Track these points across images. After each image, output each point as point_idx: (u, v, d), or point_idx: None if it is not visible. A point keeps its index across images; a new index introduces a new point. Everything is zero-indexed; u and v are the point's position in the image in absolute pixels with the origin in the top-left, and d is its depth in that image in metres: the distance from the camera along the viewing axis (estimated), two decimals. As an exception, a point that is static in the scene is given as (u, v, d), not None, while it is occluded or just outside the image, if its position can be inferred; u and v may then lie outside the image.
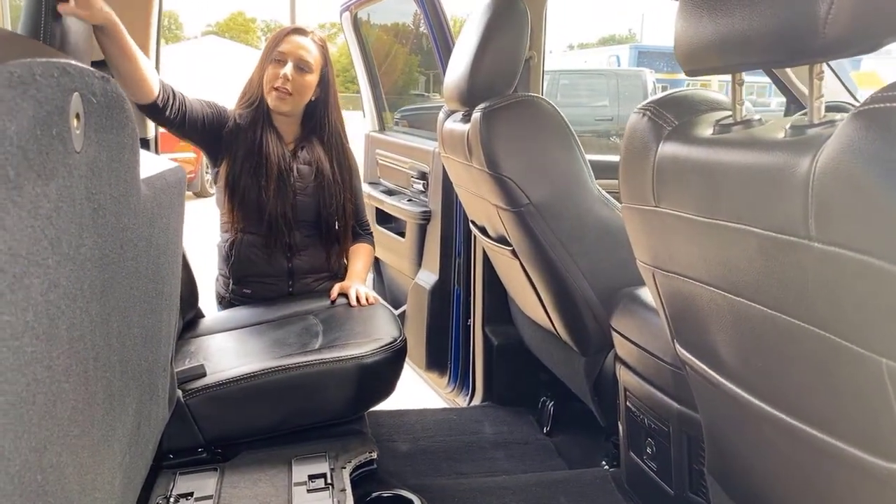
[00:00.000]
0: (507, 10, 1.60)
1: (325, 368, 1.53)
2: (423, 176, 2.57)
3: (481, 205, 1.80)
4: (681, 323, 1.02)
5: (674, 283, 0.97)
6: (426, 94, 4.92)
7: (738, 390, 0.87)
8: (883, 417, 0.63)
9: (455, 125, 1.80)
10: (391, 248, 2.77)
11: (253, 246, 1.92)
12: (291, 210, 1.91)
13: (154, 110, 1.75)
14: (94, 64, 1.84)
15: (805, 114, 0.72)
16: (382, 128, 3.18)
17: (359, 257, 2.06)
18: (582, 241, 1.57)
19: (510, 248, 1.72)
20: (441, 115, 1.98)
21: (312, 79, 1.90)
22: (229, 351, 1.69)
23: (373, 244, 2.13)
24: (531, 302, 1.84)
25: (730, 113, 0.85)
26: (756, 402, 0.84)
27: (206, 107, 1.89)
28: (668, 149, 0.89)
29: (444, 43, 2.29)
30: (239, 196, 1.89)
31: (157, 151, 2.13)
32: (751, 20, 0.71)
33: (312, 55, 1.89)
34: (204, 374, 1.52)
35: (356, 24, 2.99)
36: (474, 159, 1.65)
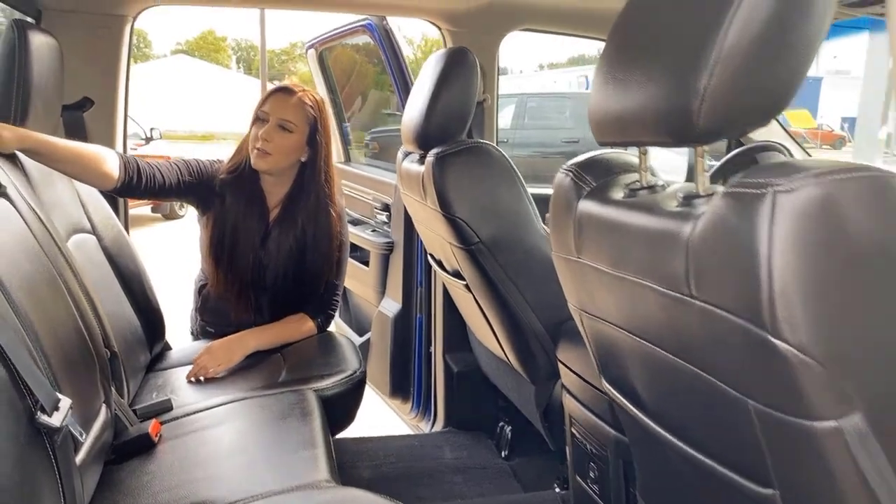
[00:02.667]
0: (458, 62, 1.72)
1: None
2: (386, 208, 2.68)
3: (437, 241, 1.91)
4: (605, 360, 1.12)
5: (597, 326, 1.08)
6: (398, 113, 5.01)
7: (651, 422, 0.98)
8: (754, 449, 0.74)
9: (412, 166, 1.91)
10: (356, 277, 2.86)
11: (221, 298, 1.97)
12: (262, 278, 1.93)
13: (119, 192, 1.76)
14: (65, 107, 1.92)
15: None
16: (348, 159, 3.28)
17: (284, 323, 1.94)
18: (529, 277, 1.68)
19: (464, 283, 1.83)
20: (400, 155, 2.09)
21: (296, 139, 1.86)
22: (195, 385, 1.77)
23: (321, 327, 2.00)
24: (485, 332, 1.94)
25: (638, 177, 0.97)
26: (664, 432, 0.95)
27: (183, 172, 1.86)
28: (585, 207, 1.00)
29: (403, 84, 2.40)
30: (213, 258, 1.92)
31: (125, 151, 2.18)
32: (644, 102, 0.82)
33: (298, 115, 1.85)
34: (170, 408, 1.59)
35: (322, 61, 3.09)
36: (429, 199, 1.76)
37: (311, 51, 3.09)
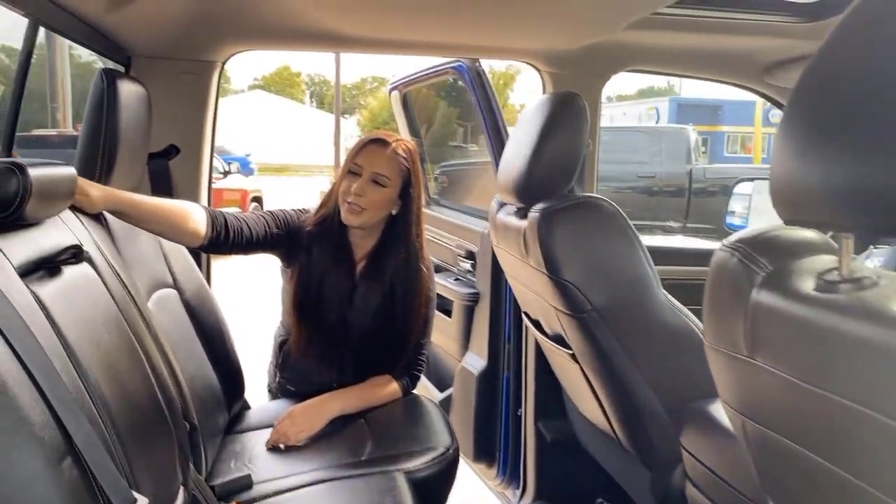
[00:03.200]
0: (566, 108, 1.57)
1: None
2: (470, 255, 2.53)
3: (537, 302, 1.74)
4: (773, 479, 0.92)
5: (766, 438, 0.88)
6: (464, 145, 4.91)
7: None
8: None
9: (509, 219, 1.76)
10: (437, 328, 2.69)
11: (303, 356, 1.85)
12: (347, 334, 1.82)
13: (206, 249, 1.69)
14: (151, 155, 1.87)
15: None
16: (429, 202, 3.16)
17: (368, 385, 1.81)
18: (649, 351, 1.49)
19: (569, 352, 1.65)
20: (494, 204, 1.94)
21: (389, 193, 1.75)
22: (276, 454, 1.64)
23: (407, 390, 1.86)
24: (589, 403, 1.75)
25: (832, 263, 0.77)
26: None
27: (270, 225, 1.76)
28: (764, 298, 0.81)
29: (495, 130, 2.26)
30: (297, 314, 1.82)
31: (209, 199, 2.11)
32: (855, 179, 0.63)
33: (392, 168, 1.74)
34: (250, 486, 1.46)
35: (405, 103, 3.00)
36: (531, 258, 1.60)
37: (395, 93, 3.00)
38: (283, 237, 1.79)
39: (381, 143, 1.77)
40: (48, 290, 1.02)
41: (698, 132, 11.83)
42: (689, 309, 1.53)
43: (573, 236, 1.50)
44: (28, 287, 0.97)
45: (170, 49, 1.62)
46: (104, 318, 1.15)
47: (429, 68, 2.64)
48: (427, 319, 1.89)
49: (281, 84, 44.31)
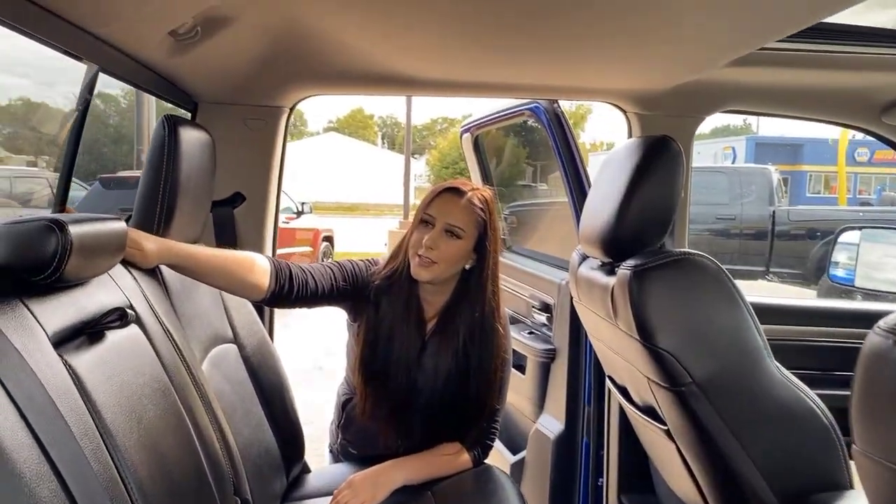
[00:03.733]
0: (660, 154, 1.41)
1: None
2: (546, 308, 2.36)
3: (626, 368, 1.56)
4: None
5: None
6: (533, 184, 4.76)
7: None
8: None
9: (594, 274, 1.59)
10: (510, 385, 2.53)
11: (368, 417, 1.71)
12: (415, 398, 1.68)
13: (269, 303, 1.58)
14: (215, 203, 1.80)
15: None
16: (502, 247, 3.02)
17: (436, 454, 1.67)
18: (758, 431, 1.29)
19: (663, 427, 1.45)
20: (575, 257, 1.78)
21: (463, 245, 1.61)
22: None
23: (477, 461, 1.71)
24: (684, 482, 1.54)
25: None
26: None
27: (337, 277, 1.65)
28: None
29: (574, 175, 2.11)
30: (363, 373, 1.69)
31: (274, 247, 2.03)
32: None
33: (467, 218, 1.61)
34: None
35: (477, 146, 2.89)
36: (621, 321, 1.42)
37: (467, 135, 2.89)
38: (349, 290, 1.67)
39: (456, 192, 1.63)
40: (86, 359, 0.92)
41: (779, 172, 11.38)
42: (794, 373, 1.33)
43: (670, 298, 1.32)
44: (62, 358, 0.87)
45: (236, 95, 1.57)
46: (150, 387, 1.05)
47: (503, 110, 2.52)
48: (502, 384, 1.73)
49: (354, 126, 45.52)
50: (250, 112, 1.62)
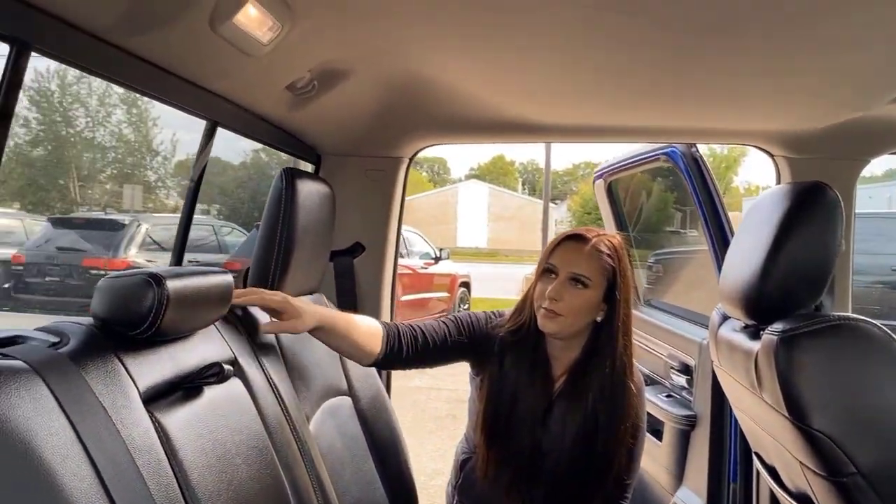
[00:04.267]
0: (813, 202, 1.22)
1: None
2: (685, 369, 2.15)
3: (774, 447, 1.35)
4: None
5: None
6: (682, 230, 4.49)
7: None
8: None
9: (735, 337, 1.40)
10: (645, 451, 2.32)
11: (489, 480, 1.59)
12: (540, 463, 1.56)
13: (382, 365, 1.54)
14: (335, 253, 1.81)
15: None
16: (637, 300, 2.83)
17: None
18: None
19: (822, 523, 1.23)
20: (715, 316, 1.59)
21: (591, 296, 1.49)
22: None
23: None
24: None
25: None
26: None
27: (452, 332, 1.57)
28: None
29: (715, 222, 1.92)
30: (486, 433, 1.58)
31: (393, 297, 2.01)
32: None
33: (593, 266, 1.49)
34: None
35: (611, 193, 2.75)
36: (767, 394, 1.23)
37: (599, 182, 2.77)
38: (467, 344, 1.59)
39: (579, 238, 1.52)
40: (178, 417, 0.91)
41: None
42: None
43: (826, 371, 1.12)
44: (152, 416, 0.86)
45: (357, 147, 1.58)
46: (245, 445, 1.03)
47: (637, 155, 2.38)
48: (634, 453, 1.57)
49: (496, 173, 46.14)
50: (371, 163, 1.63)
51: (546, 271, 1.53)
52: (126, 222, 7.58)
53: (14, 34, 0.78)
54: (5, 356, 0.73)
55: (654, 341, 2.39)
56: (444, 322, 1.60)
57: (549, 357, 1.57)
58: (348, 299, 1.82)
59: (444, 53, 1.36)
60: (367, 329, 1.48)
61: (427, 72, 1.46)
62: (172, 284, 0.90)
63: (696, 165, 1.97)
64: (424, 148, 1.83)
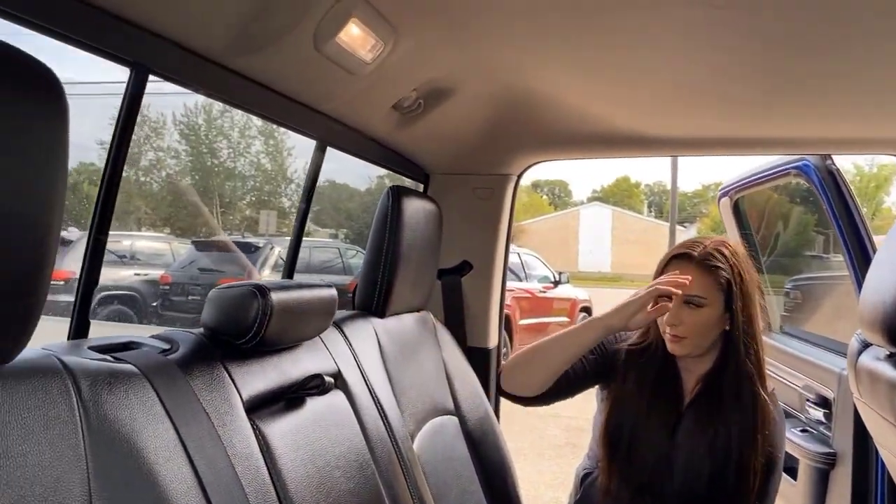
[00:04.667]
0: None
1: None
2: (823, 402, 1.97)
3: (927, 493, 1.19)
4: None
5: None
6: (824, 255, 4.15)
7: None
8: None
9: (878, 366, 1.26)
10: (779, 491, 2.14)
11: (610, 496, 1.51)
12: (666, 482, 1.47)
13: (537, 402, 1.52)
14: (443, 271, 1.81)
15: None
16: (768, 327, 2.63)
17: None
18: None
19: None
20: (854, 343, 1.44)
21: (710, 313, 1.41)
22: None
23: None
24: None
25: None
26: None
27: (587, 354, 1.54)
28: None
29: (854, 239, 1.76)
30: (609, 447, 1.52)
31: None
32: None
33: (704, 283, 1.41)
34: None
35: (737, 211, 2.59)
36: (915, 431, 1.09)
37: (725, 199, 2.61)
38: (600, 364, 1.55)
39: (685, 257, 1.44)
40: (279, 426, 0.93)
41: None
42: None
43: None
44: (253, 423, 0.88)
45: (464, 165, 1.58)
46: (345, 459, 1.03)
47: (765, 169, 2.23)
48: (769, 486, 1.45)
49: (620, 195, 45.00)
50: (479, 181, 1.62)
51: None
52: (260, 245, 8.05)
53: (134, 58, 0.84)
54: (118, 360, 0.77)
55: (789, 372, 2.21)
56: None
57: (680, 370, 1.50)
58: (456, 318, 1.81)
59: (551, 66, 1.34)
60: None
61: (534, 86, 1.44)
62: (277, 296, 0.92)
63: (831, 180, 1.81)
64: (534, 164, 1.81)
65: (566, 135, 1.67)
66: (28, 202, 0.55)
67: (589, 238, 28.71)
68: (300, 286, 1.02)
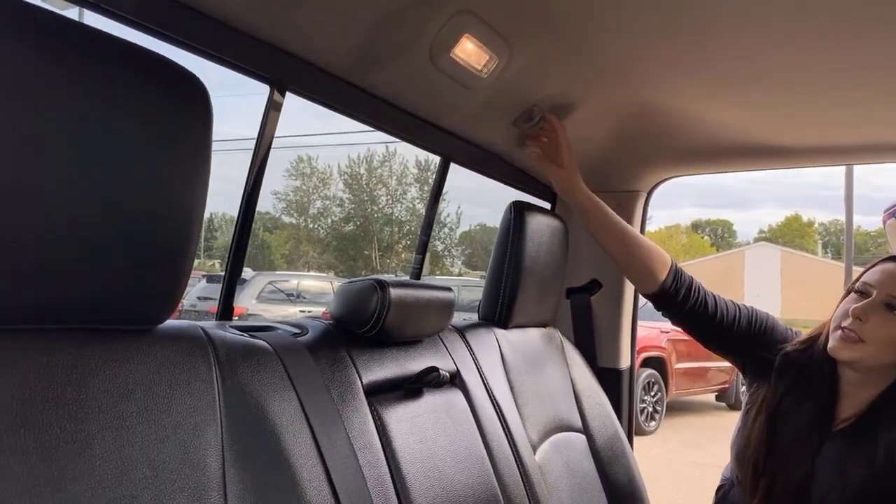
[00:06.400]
0: None
1: None
2: None
3: None
4: None
5: None
6: None
7: None
8: None
9: None
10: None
11: None
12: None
13: (657, 299, 1.43)
14: (571, 290, 1.81)
15: None
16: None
17: None
18: None
19: None
20: None
21: None
22: None
23: None
24: None
25: None
26: None
27: (741, 320, 1.42)
28: None
29: None
30: (752, 458, 1.38)
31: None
32: None
33: None
34: None
35: (905, 232, 2.36)
36: None
37: (892, 220, 2.38)
38: (749, 342, 1.41)
39: None
40: (396, 412, 0.99)
41: None
42: None
43: None
44: (372, 406, 0.95)
45: (590, 182, 1.58)
46: (461, 455, 1.07)
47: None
48: None
49: (790, 234, 41.79)
50: (605, 198, 1.61)
51: (857, 291, 1.30)
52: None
53: (273, 76, 0.97)
54: (255, 338, 0.88)
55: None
56: (738, 306, 1.45)
57: (840, 393, 1.32)
58: (586, 337, 1.80)
59: (678, 77, 1.32)
60: (656, 250, 1.42)
61: (660, 98, 1.43)
62: (395, 291, 1.00)
63: None
64: (665, 181, 1.77)
65: (698, 148, 1.63)
66: (178, 190, 0.66)
67: (756, 280, 26.84)
68: (418, 286, 1.09)
